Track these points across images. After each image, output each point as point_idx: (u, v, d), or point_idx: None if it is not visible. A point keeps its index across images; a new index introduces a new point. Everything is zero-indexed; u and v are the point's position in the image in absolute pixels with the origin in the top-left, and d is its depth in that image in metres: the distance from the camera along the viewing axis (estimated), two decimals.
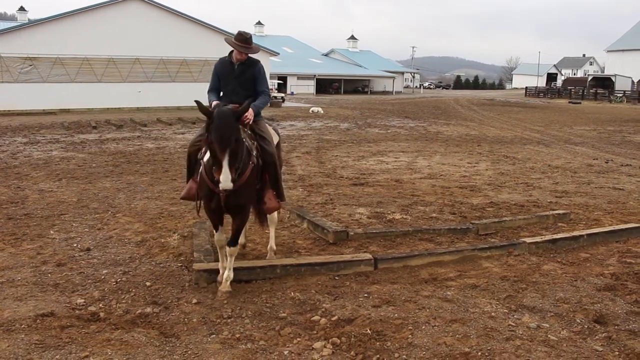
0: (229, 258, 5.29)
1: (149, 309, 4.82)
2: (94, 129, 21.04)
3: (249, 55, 5.75)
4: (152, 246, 6.66)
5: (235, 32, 5.91)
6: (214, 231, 5.46)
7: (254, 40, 6.09)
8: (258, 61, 5.89)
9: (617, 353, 4.07)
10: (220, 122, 4.70)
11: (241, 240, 6.45)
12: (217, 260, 5.91)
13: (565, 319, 4.68)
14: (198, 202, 5.48)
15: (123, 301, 4.99)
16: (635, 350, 4.09)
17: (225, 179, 4.61)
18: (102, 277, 5.57)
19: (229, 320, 4.64)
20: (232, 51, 5.78)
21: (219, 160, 4.65)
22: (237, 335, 4.36)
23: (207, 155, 5.04)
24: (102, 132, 20.00)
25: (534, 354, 4.03)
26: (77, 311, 4.74)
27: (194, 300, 5.02)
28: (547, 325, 4.54)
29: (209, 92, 5.85)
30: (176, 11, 33.87)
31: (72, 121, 23.53)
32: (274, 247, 6.26)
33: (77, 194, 9.52)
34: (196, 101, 4.87)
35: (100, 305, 4.89)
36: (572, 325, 4.56)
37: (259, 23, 75.40)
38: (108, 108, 30.93)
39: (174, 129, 22.03)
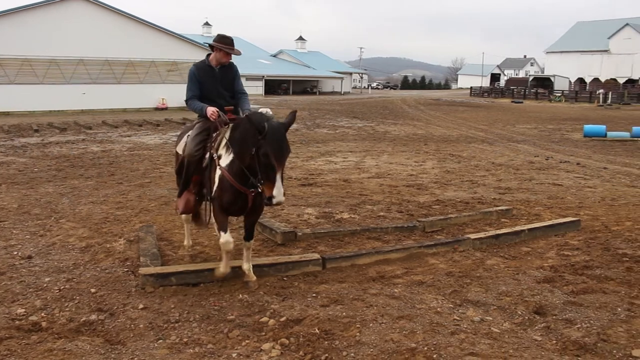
0: (247, 252, 5.49)
1: (93, 317, 4.71)
2: (36, 132, 20.37)
3: None
4: (97, 252, 6.50)
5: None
6: (223, 233, 5.30)
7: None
8: (232, 63, 5.99)
9: (555, 342, 4.24)
10: (276, 136, 4.73)
11: (188, 242, 6.52)
12: (164, 265, 5.85)
13: (507, 311, 4.84)
14: (207, 210, 5.46)
15: (66, 309, 4.86)
16: (571, 338, 4.27)
17: (279, 193, 4.67)
18: (45, 285, 5.41)
19: (176, 325, 4.59)
20: (208, 55, 5.88)
21: (273, 174, 4.69)
22: (185, 340, 4.32)
23: (228, 160, 5.13)
24: (44, 136, 19.39)
25: (478, 346, 4.15)
26: (17, 322, 4.58)
27: (141, 306, 4.94)
28: (490, 318, 4.68)
29: (190, 99, 5.81)
30: (121, 11, 33.09)
31: (12, 124, 22.70)
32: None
33: (17, 199, 9.20)
34: (247, 116, 4.93)
35: (42, 314, 4.74)
36: (514, 317, 4.72)
37: (206, 24, 74.60)
38: (51, 111, 30.04)
39: (120, 131, 21.56)
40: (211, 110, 5.54)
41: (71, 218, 8.02)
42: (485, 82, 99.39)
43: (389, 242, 6.96)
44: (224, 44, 5.71)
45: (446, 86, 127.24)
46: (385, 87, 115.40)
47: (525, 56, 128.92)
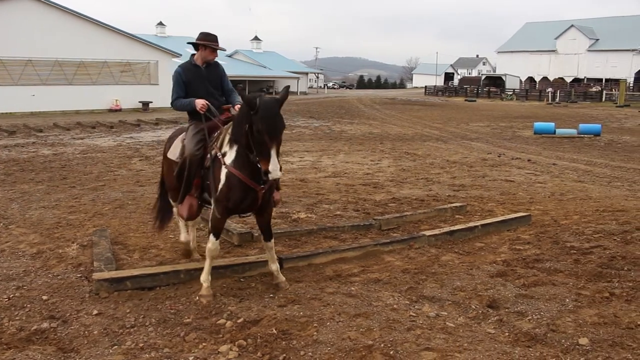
0: (270, 252, 5.45)
1: (45, 324, 4.59)
2: None
3: None
4: (48, 258, 6.33)
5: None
6: (215, 239, 5.18)
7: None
8: (217, 61, 5.94)
9: (507, 334, 4.36)
10: (268, 111, 4.61)
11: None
12: (118, 269, 5.75)
13: (461, 306, 4.94)
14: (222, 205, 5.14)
15: (16, 318, 4.71)
16: (522, 329, 4.39)
17: (275, 168, 4.55)
18: None
19: (132, 330, 4.51)
20: (193, 55, 5.79)
21: (267, 150, 4.56)
22: (141, 345, 4.26)
23: (232, 156, 5.00)
24: None
25: (433, 341, 4.22)
26: None
27: (95, 312, 4.84)
28: (446, 313, 4.77)
29: (175, 101, 5.71)
30: (71, 10, 32.12)
31: None
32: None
33: None
34: (239, 91, 5.00)
35: None
36: (468, 311, 4.82)
37: (160, 24, 73.35)
38: None
39: (73, 134, 21.04)
40: (200, 103, 5.49)
41: (21, 224, 7.79)
42: (440, 81, 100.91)
43: (346, 240, 7.01)
44: (209, 40, 5.66)
45: (401, 85, 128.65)
46: (341, 86, 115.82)
47: (477, 55, 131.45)
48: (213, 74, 5.83)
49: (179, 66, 5.82)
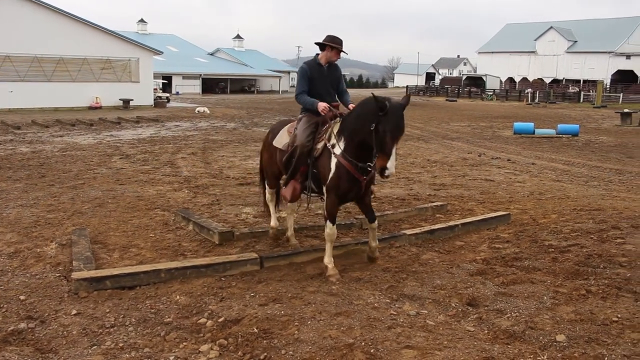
0: (372, 232, 6.01)
1: (22, 325, 4.52)
2: None
3: None
4: (26, 257, 6.25)
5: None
6: (332, 224, 5.73)
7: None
8: (336, 63, 6.40)
9: (487, 331, 4.40)
10: (396, 114, 5.14)
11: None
12: (98, 268, 5.70)
13: (441, 304, 4.98)
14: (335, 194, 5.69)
15: None
16: (501, 327, 4.44)
17: (392, 165, 5.11)
18: None
19: (111, 330, 4.47)
20: (317, 54, 6.25)
21: (389, 149, 5.09)
22: (121, 345, 4.22)
23: (341, 148, 5.55)
24: None
25: (414, 339, 4.25)
26: None
27: (74, 311, 4.78)
28: (426, 312, 4.80)
29: (300, 94, 6.15)
30: (51, 6, 31.55)
31: None
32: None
33: None
34: (372, 94, 5.27)
35: None
36: (448, 309, 4.86)
37: (141, 21, 72.72)
38: None
39: (52, 131, 20.79)
40: (323, 106, 5.93)
41: None
42: (421, 81, 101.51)
43: None
44: (336, 43, 6.12)
45: (383, 85, 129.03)
46: None
47: (458, 56, 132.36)
48: (333, 74, 6.31)
49: (305, 63, 6.29)
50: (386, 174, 5.14)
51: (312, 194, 6.19)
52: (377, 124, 5.13)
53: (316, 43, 6.25)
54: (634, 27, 72.81)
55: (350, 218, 7.97)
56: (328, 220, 5.73)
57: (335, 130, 5.72)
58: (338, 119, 5.87)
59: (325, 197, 5.81)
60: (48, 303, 4.97)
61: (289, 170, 6.06)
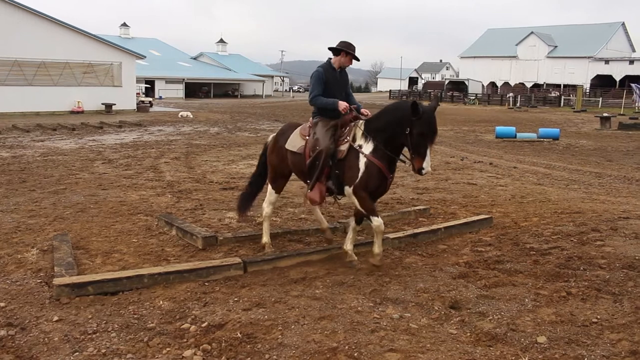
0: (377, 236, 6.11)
1: (2, 332, 4.46)
2: None
3: None
4: (6, 263, 6.18)
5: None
6: (376, 217, 5.91)
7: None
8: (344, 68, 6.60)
9: (469, 334, 4.44)
10: (430, 118, 5.47)
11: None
12: (79, 274, 5.65)
13: (424, 307, 5.00)
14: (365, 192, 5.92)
15: None
16: (483, 329, 4.48)
17: (427, 165, 5.53)
18: None
19: (94, 336, 4.44)
20: (330, 58, 6.42)
21: (425, 150, 5.49)
22: (103, 351, 4.19)
23: (370, 148, 5.84)
24: None
25: (397, 342, 4.27)
26: None
27: (55, 318, 4.74)
28: (409, 315, 4.83)
29: (317, 97, 6.27)
30: (32, 9, 31.27)
31: None
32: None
33: None
34: (414, 101, 5.54)
35: None
36: (431, 312, 4.89)
37: (124, 25, 72.30)
38: None
39: (33, 136, 20.56)
40: (344, 105, 6.13)
41: None
42: (404, 86, 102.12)
43: (311, 244, 7.04)
44: (351, 50, 6.30)
45: (366, 89, 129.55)
46: (306, 90, 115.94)
47: (441, 60, 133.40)
48: (344, 78, 6.54)
49: (320, 66, 6.41)
50: (424, 173, 5.53)
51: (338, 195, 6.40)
52: (412, 127, 5.47)
53: (330, 48, 6.39)
54: (612, 33, 74.10)
55: (333, 222, 7.99)
56: (371, 216, 5.91)
57: (360, 131, 5.97)
58: (360, 121, 6.10)
59: (355, 198, 5.95)
60: (29, 309, 4.92)
61: (313, 174, 6.14)
